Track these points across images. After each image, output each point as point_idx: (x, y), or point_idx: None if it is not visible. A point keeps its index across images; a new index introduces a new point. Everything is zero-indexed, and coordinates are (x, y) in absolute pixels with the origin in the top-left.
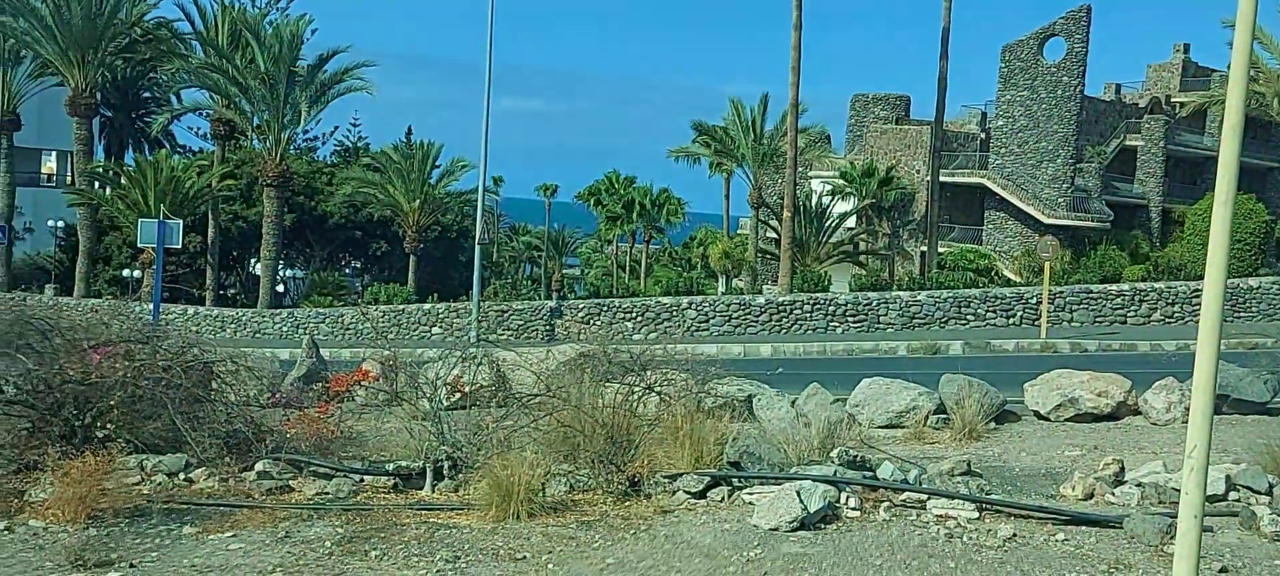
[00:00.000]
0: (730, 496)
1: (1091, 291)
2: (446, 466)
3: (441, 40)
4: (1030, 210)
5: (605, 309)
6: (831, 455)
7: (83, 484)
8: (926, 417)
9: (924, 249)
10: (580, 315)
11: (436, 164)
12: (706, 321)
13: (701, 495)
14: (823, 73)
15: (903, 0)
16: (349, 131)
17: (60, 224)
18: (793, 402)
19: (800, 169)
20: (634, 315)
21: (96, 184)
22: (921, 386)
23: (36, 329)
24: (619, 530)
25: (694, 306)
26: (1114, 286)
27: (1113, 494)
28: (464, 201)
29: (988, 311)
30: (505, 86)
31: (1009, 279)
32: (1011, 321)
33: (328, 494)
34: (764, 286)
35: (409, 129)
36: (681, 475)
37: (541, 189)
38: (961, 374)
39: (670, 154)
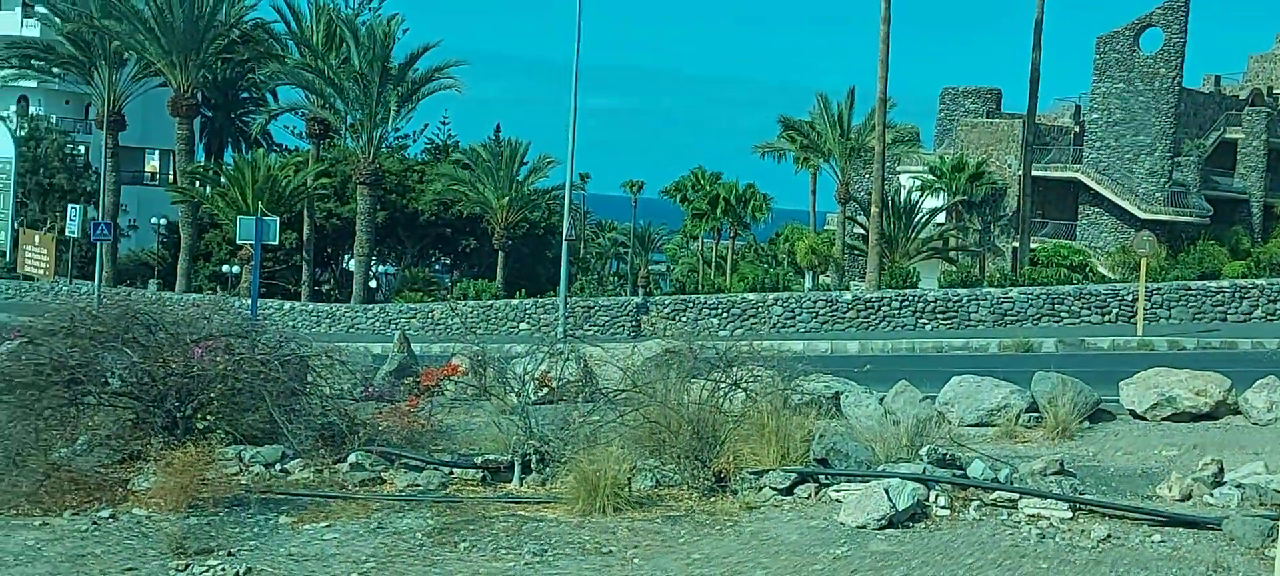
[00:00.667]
0: (817, 493)
1: (1190, 288)
2: (534, 460)
3: (529, 39)
4: (1126, 205)
5: (691, 305)
6: (920, 453)
7: (184, 474)
8: (1018, 416)
9: (1016, 245)
10: (666, 311)
11: (524, 161)
12: (793, 318)
13: (788, 492)
14: (912, 66)
15: None
16: (439, 130)
17: (163, 221)
18: (880, 400)
19: (888, 164)
20: (720, 311)
21: (197, 182)
22: (1013, 384)
23: (141, 323)
24: (705, 526)
25: (780, 303)
26: (1213, 283)
27: (1211, 495)
28: (551, 198)
29: (1082, 308)
30: (592, 84)
31: (1104, 275)
32: (1106, 319)
33: (418, 486)
34: (851, 283)
35: (497, 127)
36: (768, 471)
37: (627, 185)
38: (1054, 371)
39: (756, 149)
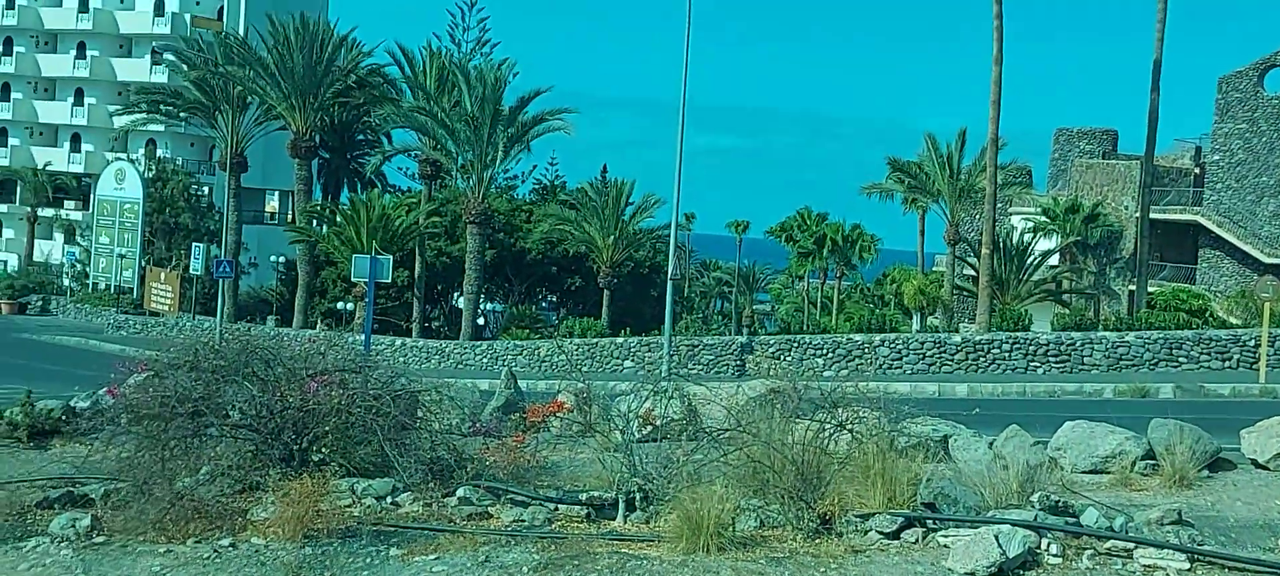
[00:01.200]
0: (924, 538)
1: None
2: (638, 497)
3: (638, 81)
4: (1248, 249)
5: (796, 345)
6: (1031, 499)
7: (300, 504)
8: (1133, 463)
9: (1132, 288)
10: (770, 351)
11: (630, 201)
12: (899, 359)
13: (894, 536)
14: (1024, 106)
15: (1110, 33)
16: (547, 170)
17: (281, 259)
18: (990, 444)
19: (1000, 205)
20: (825, 352)
21: (314, 221)
22: (1128, 430)
23: (261, 358)
24: (809, 568)
25: (887, 344)
26: None
27: None
28: (656, 238)
29: (1201, 354)
30: (697, 124)
31: (1224, 320)
32: (1227, 365)
33: (524, 521)
34: (960, 325)
35: (604, 167)
36: (874, 514)
37: (733, 225)
38: (1172, 418)
39: (863, 190)
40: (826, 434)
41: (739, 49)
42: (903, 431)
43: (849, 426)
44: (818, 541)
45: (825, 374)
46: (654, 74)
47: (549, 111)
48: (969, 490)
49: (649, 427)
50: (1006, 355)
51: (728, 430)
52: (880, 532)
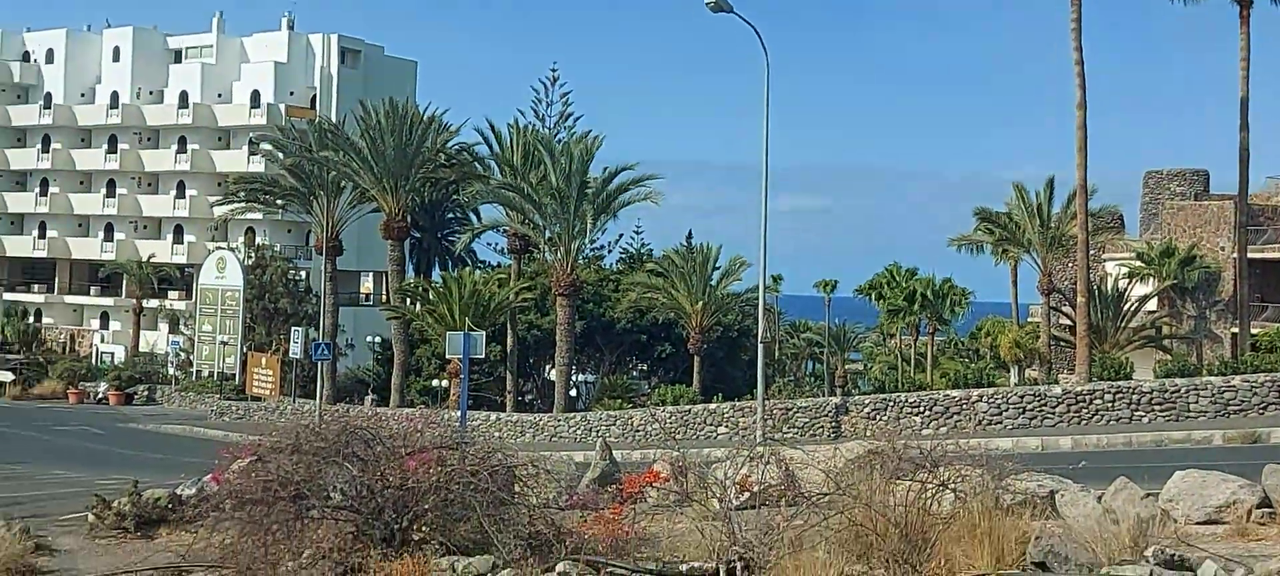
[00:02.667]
0: None
1: None
2: (738, 566)
3: (717, 146)
4: None
5: (891, 403)
6: (1145, 554)
7: None
8: (1249, 512)
9: (1234, 331)
10: (866, 411)
11: (716, 265)
12: (999, 414)
13: None
14: (1111, 151)
15: (1195, 73)
16: (633, 238)
17: (377, 339)
18: (1098, 498)
19: (1092, 252)
20: (921, 409)
21: (408, 300)
22: (1242, 478)
23: (360, 438)
24: None
25: (985, 399)
26: None
27: None
28: (744, 301)
29: None
30: (780, 185)
31: None
32: None
33: None
34: (1059, 376)
35: (689, 233)
36: (982, 575)
37: (820, 285)
38: None
39: (952, 243)
40: (929, 494)
41: (818, 109)
42: (1007, 488)
43: (951, 485)
44: None
45: (923, 432)
46: (735, 139)
47: (633, 181)
48: (1080, 547)
49: (746, 494)
50: (1109, 405)
51: (827, 494)
52: None
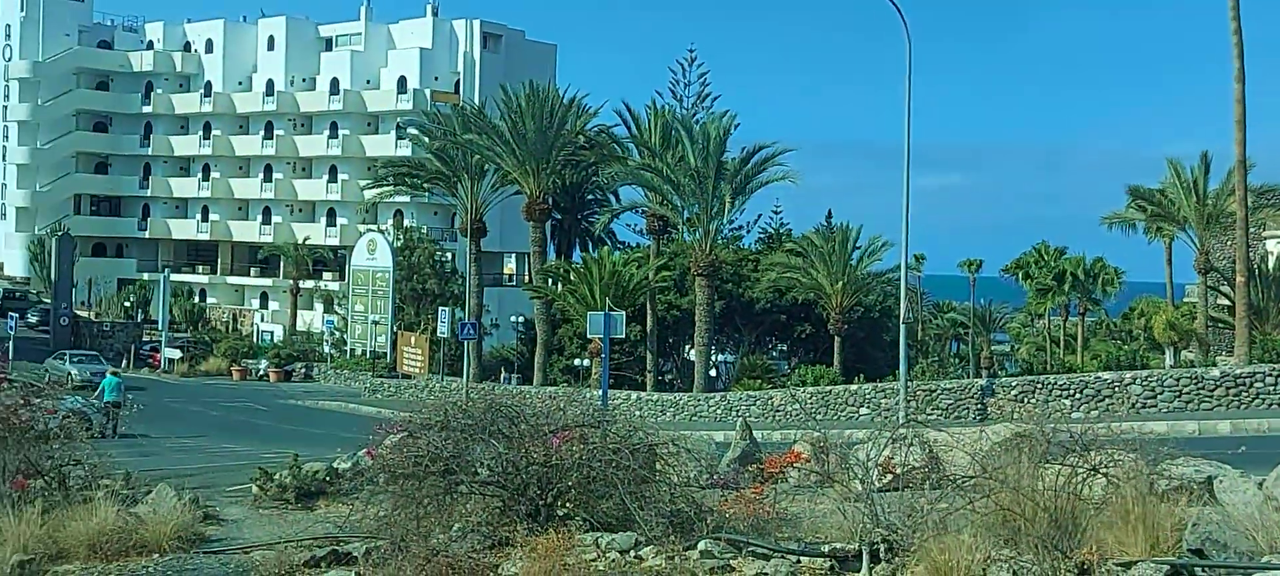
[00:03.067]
0: None
1: None
2: (881, 548)
3: (860, 124)
4: None
5: (1039, 386)
6: None
7: (547, 559)
8: None
9: None
10: (1013, 393)
11: (857, 245)
12: (1153, 397)
13: None
14: (1271, 124)
15: None
16: (771, 219)
17: (520, 319)
18: (1260, 484)
19: (1252, 230)
20: (1071, 391)
21: (549, 281)
22: None
23: (505, 416)
24: None
25: (1138, 381)
26: None
27: None
28: (886, 281)
29: None
30: (921, 163)
31: None
32: None
33: (766, 574)
34: (1217, 358)
35: (829, 212)
36: (1136, 562)
37: (965, 264)
38: None
39: (1103, 221)
40: (1079, 478)
41: (959, 85)
42: (1162, 473)
43: (1103, 469)
44: None
45: (1073, 415)
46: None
47: (770, 159)
48: (1239, 534)
49: (889, 476)
50: (1271, 388)
51: (973, 477)
52: None
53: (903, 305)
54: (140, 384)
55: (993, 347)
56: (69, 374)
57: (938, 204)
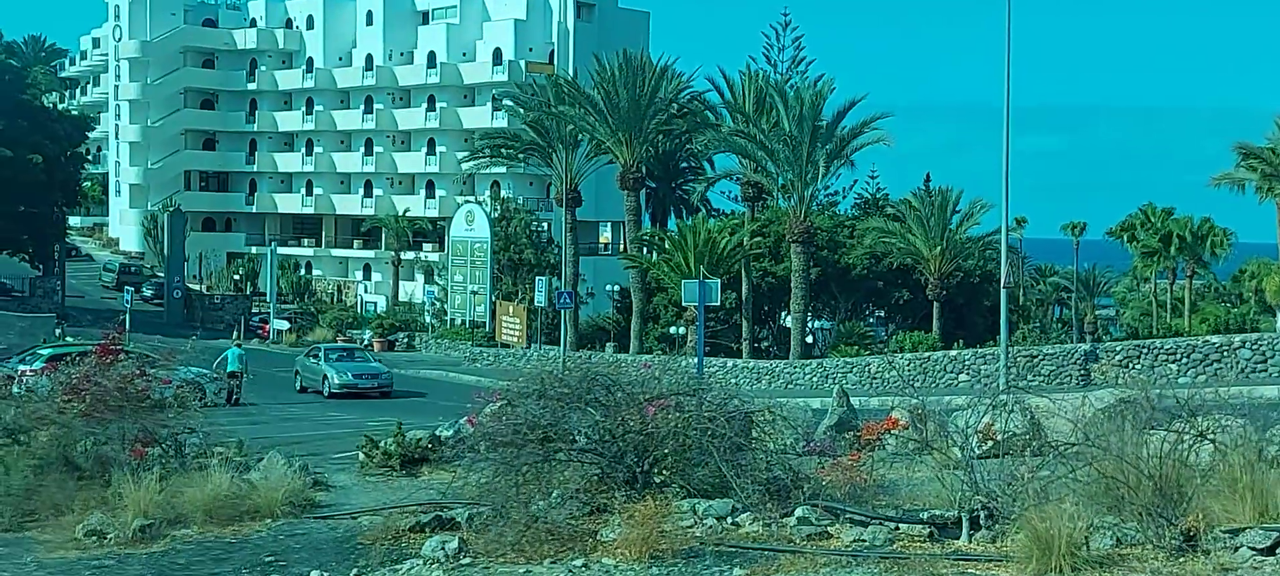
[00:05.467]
0: None
1: None
2: (982, 516)
3: (958, 86)
4: None
5: (1145, 351)
6: None
7: (645, 526)
8: None
9: None
10: (1117, 358)
11: (956, 209)
12: (1264, 362)
13: (1269, 552)
14: None
15: None
16: (867, 184)
17: (615, 288)
18: None
19: None
20: (1178, 356)
21: (644, 250)
22: None
23: (602, 385)
24: None
25: (1248, 345)
26: None
27: None
28: (986, 245)
29: None
30: (1024, 125)
31: None
32: None
33: (864, 541)
34: None
35: (927, 176)
36: (1244, 530)
37: (1068, 227)
38: None
39: (1212, 181)
40: (1186, 445)
41: (1060, 45)
42: (1272, 440)
43: (1210, 436)
44: (1182, 560)
45: (1179, 380)
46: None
47: (866, 122)
48: None
49: (989, 443)
50: None
51: (1075, 444)
52: (1252, 549)
53: (1003, 269)
54: (251, 354)
55: (1097, 312)
56: (325, 376)
57: (1040, 165)
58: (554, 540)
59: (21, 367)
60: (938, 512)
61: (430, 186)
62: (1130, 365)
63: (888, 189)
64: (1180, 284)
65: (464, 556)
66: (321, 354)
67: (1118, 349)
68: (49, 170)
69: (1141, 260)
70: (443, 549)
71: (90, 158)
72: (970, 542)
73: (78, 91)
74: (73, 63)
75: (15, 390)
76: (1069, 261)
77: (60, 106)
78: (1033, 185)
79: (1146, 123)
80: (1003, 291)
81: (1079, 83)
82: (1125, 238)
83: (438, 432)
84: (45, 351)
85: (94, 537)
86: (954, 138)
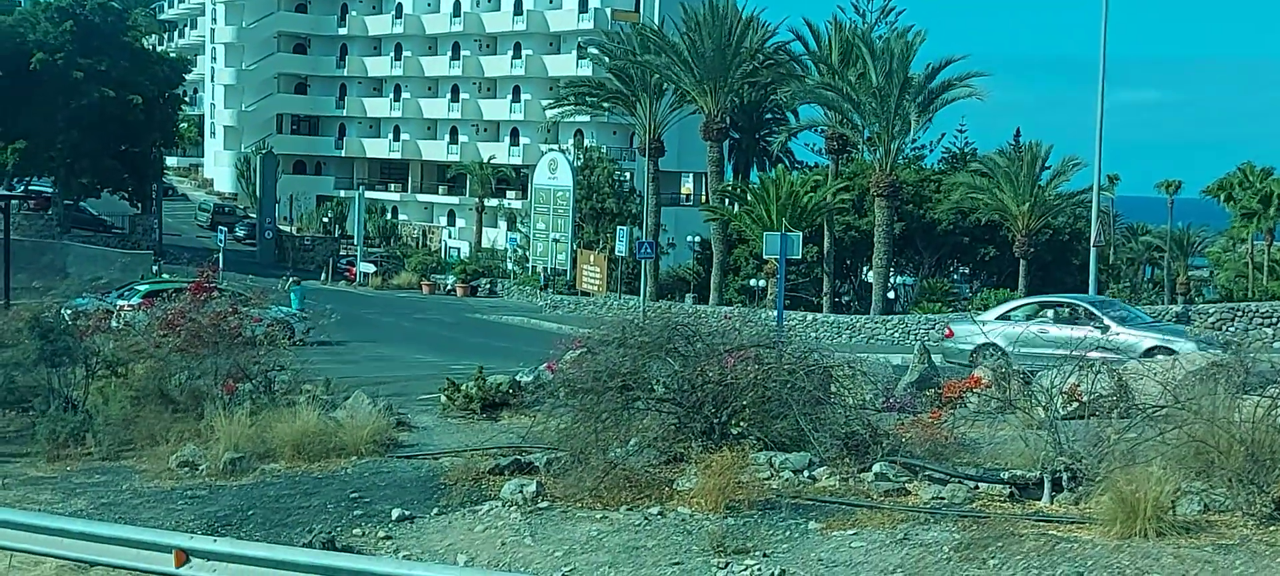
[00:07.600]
0: None
1: None
2: (1064, 477)
3: (1049, 39)
4: None
5: (1239, 314)
6: None
7: (722, 476)
8: None
9: None
10: (1210, 321)
11: (1046, 165)
12: None
13: None
14: None
15: None
16: (956, 138)
17: (696, 239)
18: None
19: None
20: (1274, 320)
21: (726, 201)
22: None
23: (681, 335)
24: (1263, 556)
25: None
26: None
27: None
28: (1076, 203)
29: None
30: (1118, 79)
31: None
32: None
33: (943, 498)
34: None
35: (1017, 131)
36: None
37: (1162, 185)
38: None
39: None
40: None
41: None
42: None
43: None
44: (1272, 528)
45: (1275, 345)
46: (1067, 29)
47: (956, 78)
48: None
49: (1074, 404)
50: None
51: (1164, 407)
52: None
53: (1094, 227)
54: (338, 295)
55: (1190, 273)
56: None
57: (1134, 121)
58: (630, 487)
59: (120, 303)
60: (1019, 472)
61: (515, 134)
62: (1223, 328)
63: (976, 143)
64: (1278, 246)
65: (542, 500)
66: None
67: (1211, 311)
68: (148, 111)
69: (1239, 220)
70: (521, 492)
71: (187, 99)
72: (1052, 504)
73: (175, 34)
74: (171, 5)
75: (114, 324)
76: (1163, 220)
77: (159, 48)
78: (1127, 141)
79: (1251, 76)
80: (1093, 250)
81: (1180, 33)
82: (1222, 197)
83: (518, 378)
84: (143, 287)
85: (187, 468)
86: (1047, 92)
